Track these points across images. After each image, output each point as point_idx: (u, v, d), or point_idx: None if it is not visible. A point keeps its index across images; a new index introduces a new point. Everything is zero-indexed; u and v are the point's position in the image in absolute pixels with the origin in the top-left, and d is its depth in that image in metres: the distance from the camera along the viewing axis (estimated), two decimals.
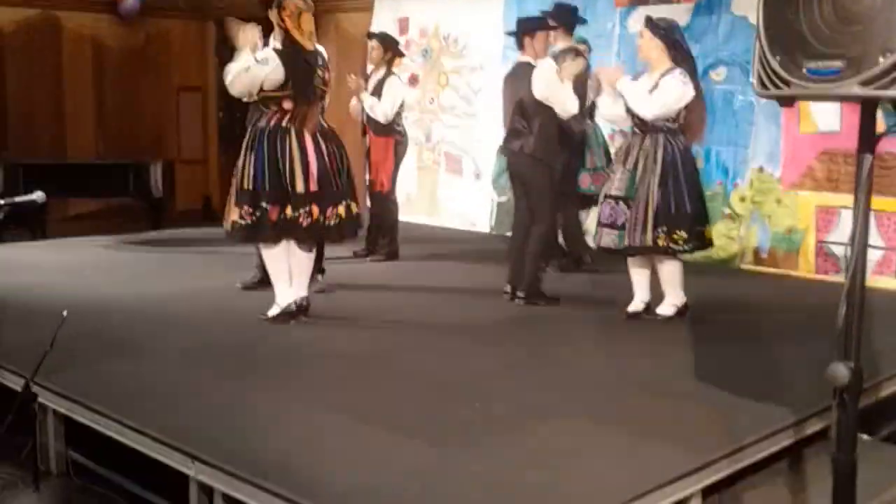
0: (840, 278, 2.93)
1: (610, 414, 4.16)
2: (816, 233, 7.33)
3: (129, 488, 4.14)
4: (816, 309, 4.44)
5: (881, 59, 2.64)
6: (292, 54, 5.49)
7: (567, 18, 7.15)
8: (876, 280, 6.69)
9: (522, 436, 3.88)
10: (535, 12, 7.19)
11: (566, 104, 6.12)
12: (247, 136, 5.65)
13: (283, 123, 5.53)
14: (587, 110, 6.93)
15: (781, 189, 7.54)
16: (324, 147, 5.59)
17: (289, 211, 5.50)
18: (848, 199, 3.03)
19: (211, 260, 7.85)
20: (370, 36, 8.33)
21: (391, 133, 7.87)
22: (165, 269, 7.62)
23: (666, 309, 5.90)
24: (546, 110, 6.15)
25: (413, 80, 10.16)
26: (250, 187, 5.53)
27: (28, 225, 9.80)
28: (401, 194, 9.62)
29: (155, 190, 10.36)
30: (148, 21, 12.77)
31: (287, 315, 5.70)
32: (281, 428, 3.94)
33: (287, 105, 5.53)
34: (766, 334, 5.59)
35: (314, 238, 5.67)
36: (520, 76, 6.25)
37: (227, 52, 6.20)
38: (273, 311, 5.74)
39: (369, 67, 8.53)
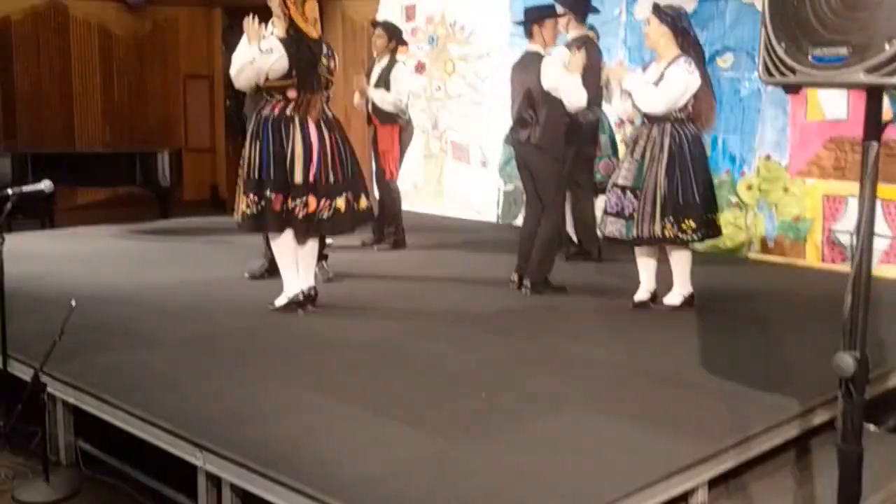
0: (847, 267, 2.92)
1: (616, 404, 4.16)
2: (823, 221, 7.31)
3: (138, 478, 4.15)
4: (823, 298, 4.45)
5: (887, 46, 2.63)
6: (296, 43, 5.48)
7: (579, 6, 7.13)
8: (883, 269, 6.67)
9: (529, 426, 3.88)
10: (541, 3, 7.17)
11: (574, 96, 6.10)
12: (252, 125, 5.65)
13: (288, 112, 5.53)
14: (595, 99, 6.90)
15: (788, 177, 7.52)
16: (327, 137, 5.59)
17: (289, 201, 5.50)
18: (855, 187, 3.01)
19: (218, 249, 7.86)
20: (374, 24, 8.33)
21: (396, 121, 7.88)
22: (173, 258, 7.63)
23: (673, 298, 5.89)
24: (553, 100, 6.13)
25: (420, 68, 10.15)
26: (256, 176, 5.53)
27: (36, 214, 9.82)
28: (408, 183, 9.65)
29: (162, 179, 10.37)
30: (155, 9, 12.78)
31: (295, 304, 5.71)
32: (288, 417, 3.94)
33: (291, 94, 5.52)
34: (772, 324, 5.58)
35: (309, 230, 5.64)
36: (528, 65, 6.24)
37: (234, 40, 6.21)
38: (281, 301, 5.75)
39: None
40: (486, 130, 9.61)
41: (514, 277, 6.43)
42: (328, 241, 6.42)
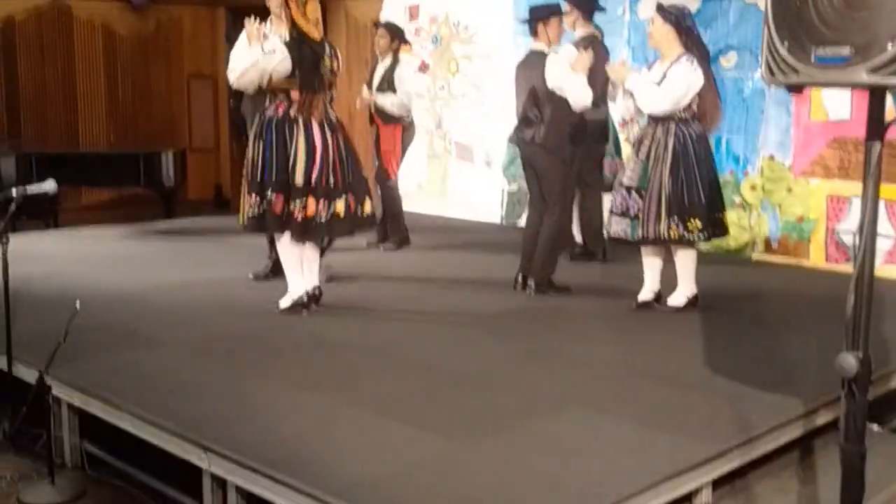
0: (851, 267, 2.91)
1: (620, 404, 4.16)
2: (827, 221, 7.30)
3: (143, 480, 4.16)
4: (827, 298, 4.45)
5: (889, 46, 2.63)
6: (299, 44, 5.49)
7: (587, 5, 7.12)
8: (886, 269, 6.66)
9: (533, 426, 3.89)
10: (546, 1, 7.16)
11: (579, 95, 6.09)
12: (255, 126, 5.65)
13: (292, 113, 5.53)
14: (602, 97, 6.87)
15: (792, 177, 7.51)
16: (330, 140, 5.59)
17: (290, 203, 5.50)
18: (859, 187, 3.01)
19: (223, 249, 7.87)
20: (376, 25, 8.33)
21: (399, 121, 7.89)
22: (177, 258, 7.64)
23: (677, 299, 5.89)
24: (559, 99, 6.12)
25: (423, 68, 10.15)
26: (258, 177, 5.54)
27: (40, 215, 9.83)
28: (411, 183, 9.64)
29: (166, 179, 10.38)
30: (159, 8, 12.79)
31: (299, 306, 5.72)
32: (293, 418, 3.95)
33: (295, 95, 5.53)
34: (776, 324, 5.57)
35: (307, 232, 5.63)
36: (532, 64, 6.23)
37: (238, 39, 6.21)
38: (285, 302, 5.75)
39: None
40: (489, 130, 9.60)
41: (518, 278, 6.43)
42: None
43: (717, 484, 3.64)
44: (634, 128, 7.73)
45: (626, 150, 7.58)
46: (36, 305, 5.57)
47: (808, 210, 7.42)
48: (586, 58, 6.10)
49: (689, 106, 5.65)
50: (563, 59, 6.17)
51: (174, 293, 6.30)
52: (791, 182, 7.51)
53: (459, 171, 10.06)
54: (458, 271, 7.21)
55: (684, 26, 5.69)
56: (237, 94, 6.55)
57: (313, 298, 5.75)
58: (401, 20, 9.32)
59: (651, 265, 5.98)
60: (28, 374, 4.52)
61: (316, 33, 5.56)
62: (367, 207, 5.73)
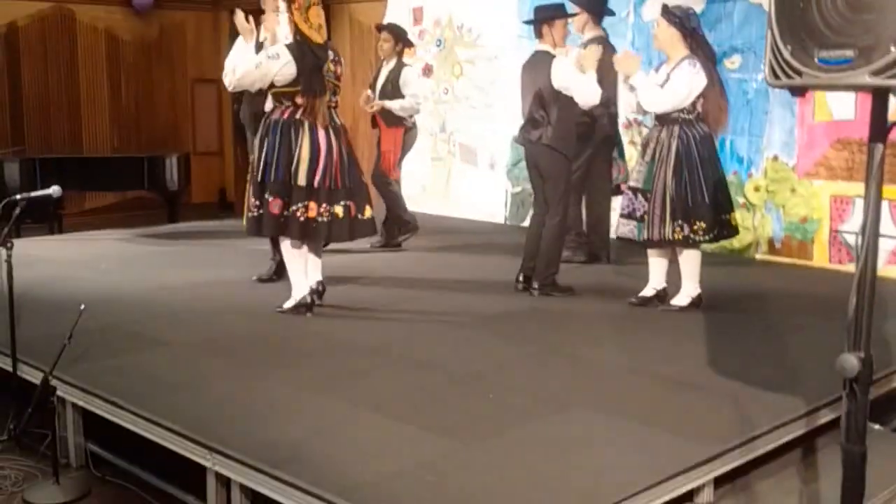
0: (854, 268, 2.92)
1: (623, 404, 4.17)
2: (831, 222, 7.31)
3: (147, 480, 4.18)
4: (830, 299, 4.45)
5: (893, 48, 2.64)
6: (301, 49, 5.50)
7: (597, 7, 7.12)
8: (888, 270, 6.66)
9: (535, 426, 3.90)
10: (551, 3, 7.17)
11: (587, 94, 6.10)
12: (260, 128, 5.67)
13: (297, 117, 5.55)
14: (612, 98, 6.87)
15: (796, 178, 7.51)
16: (334, 144, 5.61)
17: (290, 206, 5.51)
18: (863, 187, 3.02)
19: (226, 252, 7.88)
20: (379, 28, 8.35)
21: (401, 123, 7.92)
22: (181, 261, 7.66)
23: (681, 299, 5.90)
24: (565, 100, 6.13)
25: (427, 71, 10.17)
26: (259, 179, 5.57)
27: (45, 219, 9.86)
28: (416, 185, 9.67)
29: (170, 183, 10.40)
30: (162, 13, 12.82)
31: (303, 307, 5.73)
32: (297, 419, 3.96)
33: (300, 99, 5.54)
34: (779, 324, 5.58)
35: (306, 234, 5.63)
36: (537, 65, 6.23)
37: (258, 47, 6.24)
38: (289, 304, 5.77)
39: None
40: (493, 133, 9.62)
41: (520, 277, 6.44)
42: None
43: (718, 482, 3.65)
44: (643, 131, 7.75)
45: (629, 151, 7.62)
46: (40, 308, 5.58)
47: (811, 211, 7.43)
48: (596, 51, 6.11)
49: (694, 108, 5.67)
50: (568, 59, 6.18)
51: (178, 295, 6.31)
52: (795, 183, 7.52)
53: (463, 173, 10.07)
54: (461, 272, 7.22)
55: (689, 28, 5.70)
56: (239, 98, 6.59)
57: (316, 293, 5.77)
58: (404, 23, 9.33)
59: (656, 265, 6.01)
60: (33, 376, 4.54)
61: (318, 38, 5.57)
62: (367, 213, 5.74)
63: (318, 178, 5.52)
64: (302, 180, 5.51)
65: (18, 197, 4.66)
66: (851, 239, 7.12)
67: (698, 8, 7.53)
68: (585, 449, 3.67)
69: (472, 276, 7.07)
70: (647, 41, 7.50)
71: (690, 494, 3.54)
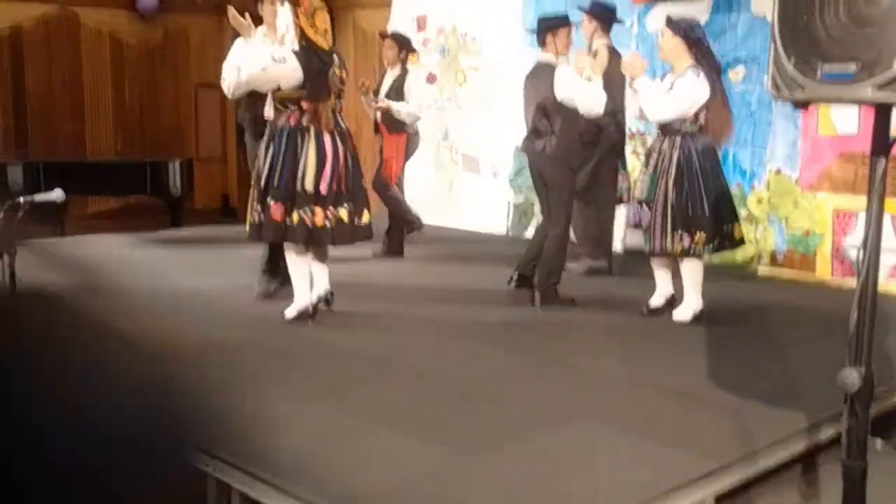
0: (856, 282, 2.92)
1: (624, 417, 4.15)
2: (834, 235, 7.29)
3: None
4: (832, 313, 4.44)
5: (895, 63, 2.64)
6: (307, 54, 5.50)
7: (606, 17, 7.12)
8: (891, 284, 6.65)
9: (536, 438, 3.89)
10: (554, 10, 7.17)
11: (591, 103, 6.10)
12: (265, 135, 5.67)
13: (304, 122, 5.54)
14: (619, 107, 6.84)
15: (799, 191, 7.50)
16: (340, 149, 5.61)
17: (294, 212, 5.50)
18: (866, 201, 3.02)
19: (229, 258, 7.88)
20: (383, 36, 8.36)
21: (404, 130, 7.92)
22: (184, 267, 7.65)
23: (683, 314, 5.89)
24: (568, 110, 6.14)
25: (431, 79, 10.17)
26: (263, 185, 5.56)
27: (48, 223, 9.85)
28: (418, 194, 9.65)
29: (173, 188, 10.41)
30: (167, 18, 12.83)
31: (306, 315, 5.72)
32: (298, 428, 3.96)
33: (305, 104, 5.54)
34: (781, 338, 5.56)
35: (310, 240, 5.63)
36: (541, 76, 6.24)
37: None
38: (291, 312, 5.76)
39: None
40: (496, 141, 9.62)
41: (514, 276, 6.44)
42: None
43: (719, 498, 3.63)
44: (648, 140, 7.74)
45: (632, 162, 7.61)
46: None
47: (814, 224, 7.41)
48: (602, 57, 6.11)
49: (696, 119, 5.67)
50: (572, 69, 6.18)
51: (179, 301, 6.31)
52: (798, 196, 7.50)
53: (466, 181, 10.07)
54: (463, 282, 7.21)
55: (693, 38, 5.71)
56: (241, 101, 6.60)
57: (325, 301, 5.76)
58: (408, 31, 9.34)
59: (662, 274, 6.05)
60: None
61: (324, 43, 5.57)
62: (365, 217, 5.74)
63: (324, 183, 5.51)
64: (309, 186, 5.50)
65: (21, 200, 4.65)
66: (853, 253, 7.10)
67: (702, 19, 7.54)
68: (586, 461, 3.66)
69: (473, 286, 7.06)
70: (651, 52, 7.49)
71: None
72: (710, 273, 6.14)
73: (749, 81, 7.70)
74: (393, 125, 7.87)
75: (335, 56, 5.71)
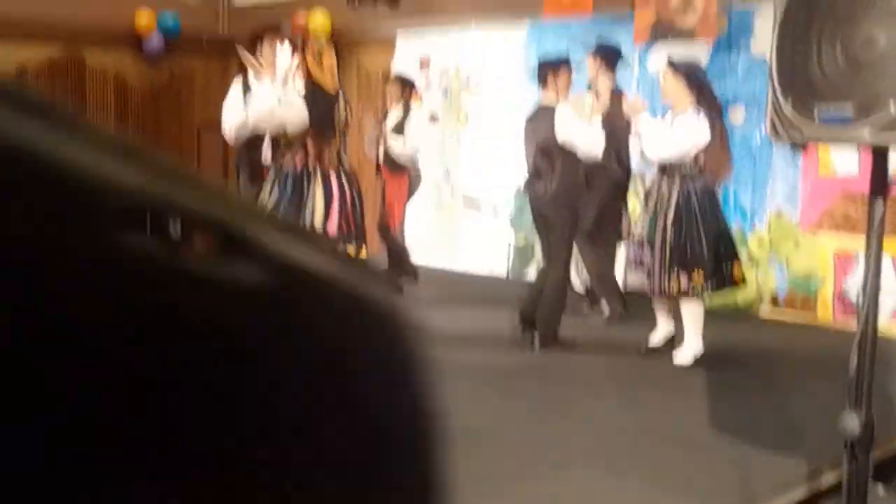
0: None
1: (625, 463, 4.10)
2: (835, 277, 7.25)
3: None
4: (833, 356, 4.39)
5: (892, 105, 2.62)
6: (314, 94, 5.52)
7: (611, 56, 7.13)
8: (892, 327, 6.60)
9: (534, 484, 3.84)
10: (555, 50, 7.18)
11: (588, 145, 6.11)
12: (270, 176, 5.66)
13: (310, 164, 5.54)
14: (624, 146, 6.83)
15: (800, 232, 7.48)
16: (347, 188, 5.61)
17: None
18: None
19: None
20: (387, 76, 8.40)
21: (406, 172, 7.92)
22: None
23: (684, 358, 5.84)
24: (568, 152, 6.14)
25: (433, 118, 10.20)
26: None
27: None
28: (418, 234, 9.64)
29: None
30: (172, 60, 12.91)
31: None
32: None
33: (311, 146, 5.54)
34: (782, 382, 5.52)
35: None
36: (541, 118, 6.25)
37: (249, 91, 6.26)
38: None
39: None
40: (497, 182, 9.62)
41: (522, 326, 6.40)
42: None
43: None
44: (648, 179, 7.74)
45: (631, 203, 7.59)
46: None
47: (815, 265, 7.37)
48: (604, 98, 6.13)
49: (695, 159, 5.67)
50: (571, 112, 6.19)
51: None
52: (798, 237, 7.48)
53: (467, 222, 10.06)
54: (462, 326, 7.16)
55: (695, 80, 5.73)
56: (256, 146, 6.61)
57: None
58: (412, 71, 9.38)
59: (662, 314, 6.06)
60: None
61: (331, 84, 5.59)
62: (363, 254, 5.73)
63: (332, 223, 5.51)
64: (318, 227, 5.49)
65: None
66: (854, 294, 7.07)
67: (703, 59, 7.56)
68: None
69: (472, 330, 7.01)
70: (652, 91, 7.51)
71: None
72: (712, 316, 6.10)
73: (749, 122, 7.69)
74: (394, 166, 7.88)
75: (340, 96, 5.72)
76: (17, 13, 10.73)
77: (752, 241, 7.70)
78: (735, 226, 7.63)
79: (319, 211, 5.49)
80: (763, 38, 6.92)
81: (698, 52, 7.62)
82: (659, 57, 7.58)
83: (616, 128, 6.30)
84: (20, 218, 0.51)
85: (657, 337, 6.06)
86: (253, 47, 6.25)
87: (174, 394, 0.58)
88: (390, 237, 8.02)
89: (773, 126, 2.96)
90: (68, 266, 0.54)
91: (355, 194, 5.67)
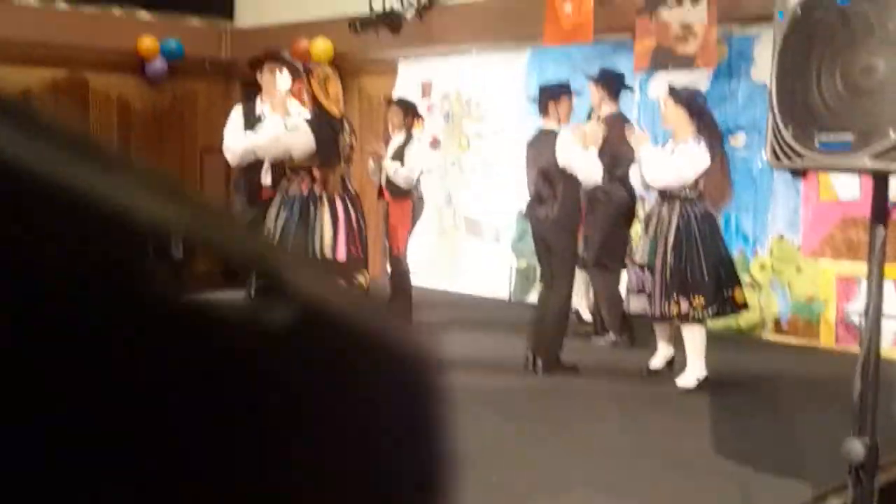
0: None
1: (628, 488, 4.10)
2: (837, 301, 7.26)
3: None
4: (837, 380, 4.40)
5: (892, 133, 2.64)
6: (319, 121, 5.55)
7: (612, 84, 7.16)
8: (895, 352, 6.59)
9: None
10: (556, 77, 7.21)
11: (588, 172, 6.14)
12: (276, 201, 5.67)
13: (316, 190, 5.56)
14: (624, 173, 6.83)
15: (802, 257, 7.49)
16: (352, 213, 5.64)
17: None
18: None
19: None
20: (389, 102, 8.43)
21: (409, 197, 7.92)
22: None
23: (687, 381, 5.84)
24: (570, 177, 6.17)
25: (434, 143, 10.23)
26: None
27: None
28: (420, 258, 9.65)
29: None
30: (175, 83, 12.95)
31: None
32: None
33: (317, 172, 5.57)
34: (786, 407, 5.51)
35: None
36: (542, 143, 6.27)
37: (252, 114, 6.29)
38: None
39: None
40: (499, 206, 9.65)
41: (529, 356, 6.36)
42: None
43: None
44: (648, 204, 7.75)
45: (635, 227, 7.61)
46: None
47: (817, 290, 7.38)
48: (598, 131, 6.16)
49: (696, 185, 5.70)
50: (572, 137, 6.22)
51: None
52: (800, 261, 7.49)
53: (468, 247, 10.07)
54: (464, 349, 7.15)
55: (695, 108, 5.77)
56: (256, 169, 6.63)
57: None
58: (413, 97, 9.42)
59: (663, 338, 6.07)
60: None
61: (336, 110, 5.63)
62: (361, 279, 5.74)
63: (341, 249, 5.53)
64: (328, 253, 5.51)
65: None
66: (857, 319, 7.07)
67: (703, 86, 7.60)
68: None
69: (475, 353, 7.00)
70: (653, 118, 7.55)
71: None
72: (715, 339, 6.11)
73: (750, 148, 7.72)
74: (397, 190, 7.89)
75: (345, 122, 5.76)
76: (22, 37, 10.80)
77: (755, 266, 7.72)
78: (737, 251, 7.65)
79: (328, 237, 5.52)
80: (763, 65, 6.97)
81: (699, 78, 7.65)
82: (660, 84, 7.62)
83: (621, 154, 6.33)
84: (29, 232, 0.52)
85: (657, 360, 6.08)
86: (253, 73, 6.31)
87: (191, 416, 0.59)
88: (395, 261, 8.02)
89: (774, 153, 2.98)
90: (91, 298, 0.55)
91: (360, 218, 5.70)
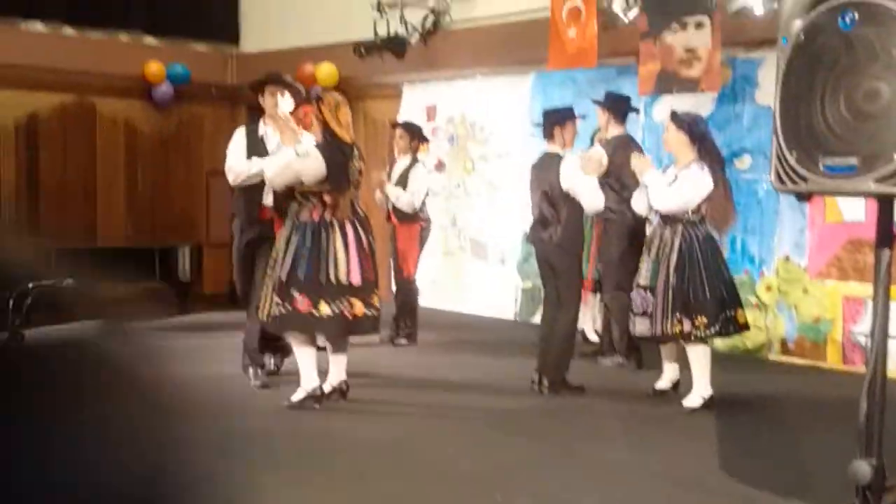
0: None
1: None
2: (844, 322, 7.27)
3: None
4: (843, 401, 4.40)
5: None
6: (330, 147, 5.58)
7: (619, 107, 7.17)
8: None
9: None
10: (560, 100, 7.24)
11: (590, 198, 6.17)
12: (287, 227, 5.69)
13: (327, 216, 5.59)
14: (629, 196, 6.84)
15: (808, 278, 7.50)
16: (363, 238, 5.67)
17: (323, 305, 5.52)
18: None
19: (236, 345, 7.85)
20: (395, 125, 8.48)
21: (416, 220, 7.95)
22: (189, 354, 7.63)
23: (693, 401, 5.85)
24: (573, 200, 6.20)
25: (440, 166, 10.28)
26: (284, 278, 5.57)
27: (55, 309, 9.86)
28: (426, 280, 9.68)
29: (182, 274, 10.45)
30: (181, 107, 13.02)
31: (312, 398, 5.70)
32: None
33: (328, 197, 5.59)
34: (792, 427, 5.52)
35: (350, 330, 5.69)
36: (546, 166, 6.30)
37: (256, 138, 6.33)
38: (298, 396, 5.73)
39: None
40: (504, 228, 9.68)
41: (536, 377, 6.37)
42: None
43: None
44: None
45: None
46: None
47: (824, 311, 7.39)
48: (596, 160, 6.19)
49: (699, 209, 5.75)
50: (575, 163, 6.25)
51: (184, 390, 6.27)
52: (807, 283, 7.50)
53: (474, 268, 10.10)
54: (471, 369, 7.18)
55: (697, 133, 5.82)
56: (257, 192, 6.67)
57: (339, 392, 5.76)
58: (418, 120, 9.47)
59: (669, 359, 6.09)
60: None
61: (347, 136, 5.67)
62: (376, 301, 5.76)
63: (355, 273, 5.55)
64: (342, 278, 5.53)
65: (31, 286, 4.67)
66: (863, 340, 7.07)
67: (708, 109, 7.64)
68: None
69: (481, 373, 7.02)
70: (658, 141, 7.57)
71: None
72: (721, 360, 6.12)
73: (755, 170, 7.74)
74: (404, 214, 7.92)
75: (356, 148, 5.80)
76: (30, 62, 10.88)
77: (761, 287, 7.73)
78: (744, 272, 7.67)
79: (342, 262, 5.55)
80: (768, 88, 7.00)
81: (703, 102, 7.69)
82: (665, 107, 7.66)
83: (627, 176, 6.35)
84: None
85: (663, 382, 6.11)
86: (255, 96, 6.35)
87: None
88: (403, 283, 8.05)
89: (778, 176, 3.01)
90: None
91: (371, 241, 5.74)
